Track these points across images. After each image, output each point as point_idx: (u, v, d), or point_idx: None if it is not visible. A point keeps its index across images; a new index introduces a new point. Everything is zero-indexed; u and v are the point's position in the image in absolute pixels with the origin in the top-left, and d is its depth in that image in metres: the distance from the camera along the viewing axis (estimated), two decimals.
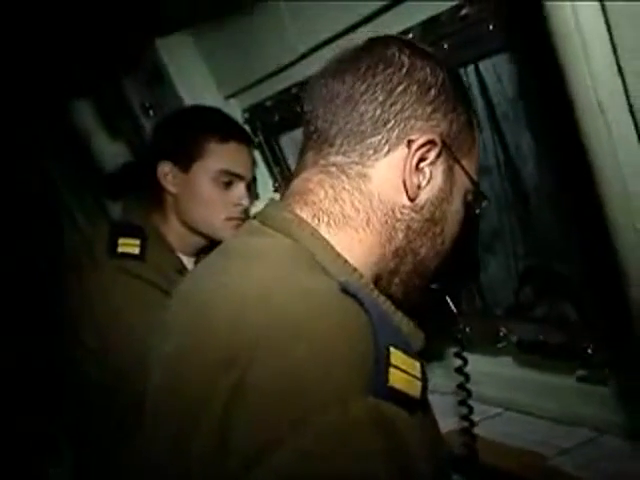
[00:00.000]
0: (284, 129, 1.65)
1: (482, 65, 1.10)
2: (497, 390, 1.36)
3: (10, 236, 2.56)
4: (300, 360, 0.61)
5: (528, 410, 1.33)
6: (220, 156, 1.57)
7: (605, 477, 1.04)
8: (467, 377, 1.07)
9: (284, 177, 1.73)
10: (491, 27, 1.02)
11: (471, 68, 1.11)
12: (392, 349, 0.64)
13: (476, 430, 1.15)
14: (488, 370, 1.34)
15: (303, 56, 1.38)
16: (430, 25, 1.10)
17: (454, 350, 1.09)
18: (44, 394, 2.24)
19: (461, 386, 1.10)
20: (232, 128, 1.63)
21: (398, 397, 0.63)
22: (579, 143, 0.76)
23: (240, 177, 1.59)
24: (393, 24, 1.14)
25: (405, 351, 0.66)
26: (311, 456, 0.57)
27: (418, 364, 0.67)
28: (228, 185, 1.57)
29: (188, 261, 1.64)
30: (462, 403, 1.11)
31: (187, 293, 0.83)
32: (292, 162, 1.70)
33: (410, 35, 1.12)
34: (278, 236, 0.79)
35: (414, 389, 0.66)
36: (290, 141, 1.68)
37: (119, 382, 1.48)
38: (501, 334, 1.29)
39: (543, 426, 1.28)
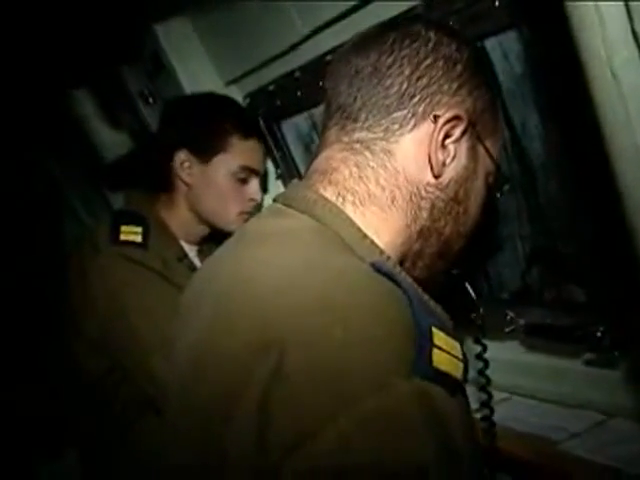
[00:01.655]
0: (286, 114, 1.63)
1: (488, 42, 1.08)
2: (504, 375, 1.34)
3: (11, 233, 2.55)
4: (339, 345, 0.59)
5: (536, 395, 1.32)
6: (242, 152, 1.56)
7: (617, 460, 1.03)
8: (487, 363, 1.06)
9: (287, 164, 1.72)
10: (497, 3, 1.01)
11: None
12: (434, 329, 0.62)
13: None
14: (495, 355, 1.32)
15: (306, 38, 1.36)
16: (435, 3, 1.08)
17: (470, 336, 1.07)
18: (45, 390, 2.23)
19: (481, 372, 1.08)
20: (253, 123, 1.62)
21: (442, 379, 0.61)
22: (591, 117, 0.75)
23: (256, 173, 1.59)
24: (398, 2, 1.12)
25: (445, 331, 0.64)
26: (353, 443, 0.55)
27: (458, 344, 0.66)
28: (244, 180, 1.57)
29: (190, 249, 1.64)
30: (482, 389, 1.10)
31: (208, 279, 0.80)
32: (294, 148, 1.69)
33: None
34: (303, 217, 0.76)
35: (457, 370, 0.64)
36: (292, 127, 1.66)
37: (119, 374, 1.48)
38: (508, 318, 1.27)
39: (551, 410, 1.27)
